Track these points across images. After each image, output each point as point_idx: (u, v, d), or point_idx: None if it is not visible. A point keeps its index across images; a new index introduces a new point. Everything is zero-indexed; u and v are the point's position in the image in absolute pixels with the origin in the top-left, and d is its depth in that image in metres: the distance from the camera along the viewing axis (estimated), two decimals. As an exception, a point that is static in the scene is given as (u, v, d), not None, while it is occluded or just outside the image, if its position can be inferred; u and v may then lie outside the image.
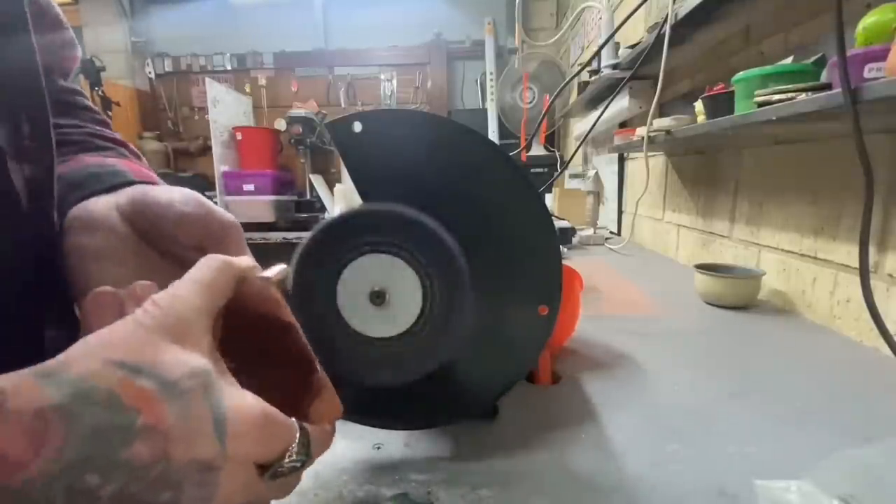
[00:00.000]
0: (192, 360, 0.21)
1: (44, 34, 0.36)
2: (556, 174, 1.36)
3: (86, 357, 0.19)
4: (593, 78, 1.47)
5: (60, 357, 0.19)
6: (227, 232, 0.30)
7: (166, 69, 3.69)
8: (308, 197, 3.35)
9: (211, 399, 0.21)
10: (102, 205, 0.30)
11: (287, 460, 0.23)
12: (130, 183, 0.32)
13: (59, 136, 0.36)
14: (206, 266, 0.23)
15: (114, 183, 0.32)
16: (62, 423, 0.17)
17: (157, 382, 0.19)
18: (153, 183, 0.34)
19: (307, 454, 0.24)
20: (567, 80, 1.64)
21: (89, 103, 0.41)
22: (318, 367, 0.26)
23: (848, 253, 0.68)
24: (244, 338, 0.25)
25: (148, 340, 0.20)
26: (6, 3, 0.27)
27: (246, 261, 0.25)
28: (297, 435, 0.24)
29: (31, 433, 0.17)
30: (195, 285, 0.22)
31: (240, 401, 0.21)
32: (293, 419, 0.24)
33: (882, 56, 0.48)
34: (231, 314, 0.24)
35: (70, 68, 0.40)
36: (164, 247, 0.30)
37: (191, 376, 0.20)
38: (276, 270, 0.27)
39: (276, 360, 0.27)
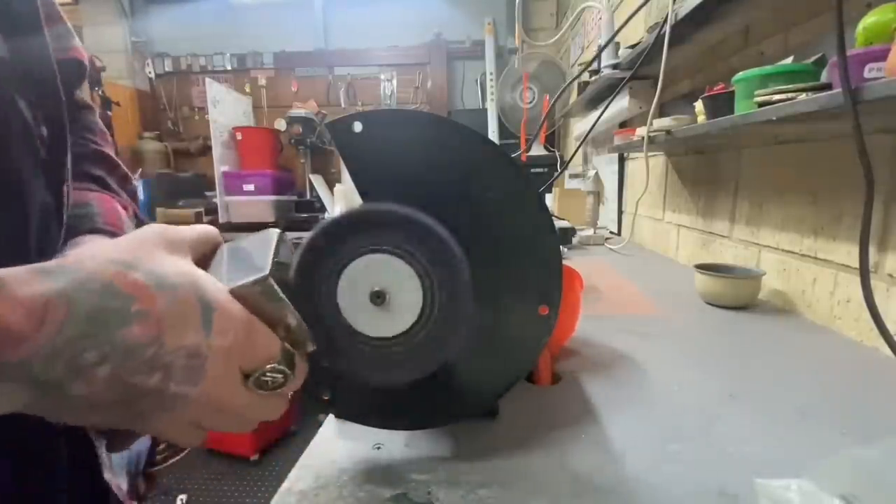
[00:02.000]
0: (181, 263, 0.24)
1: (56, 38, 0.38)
2: (556, 174, 1.35)
3: (83, 258, 0.22)
4: (593, 78, 1.47)
5: (56, 260, 0.21)
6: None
7: (166, 69, 3.69)
8: (308, 197, 3.35)
9: (199, 293, 0.23)
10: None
11: (269, 368, 0.25)
12: (97, 230, 0.37)
13: None
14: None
15: (81, 229, 0.36)
16: (63, 303, 0.19)
17: (149, 276, 0.22)
18: (116, 232, 0.37)
19: (290, 370, 0.26)
20: (568, 82, 1.63)
21: (93, 118, 0.44)
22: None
23: (848, 253, 0.68)
24: None
25: (141, 247, 0.24)
26: (21, 3, 0.29)
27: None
28: (280, 349, 0.26)
29: (32, 310, 0.19)
30: (185, 227, 0.27)
31: (227, 301, 0.24)
32: (278, 339, 0.26)
33: (882, 56, 0.48)
34: None
35: (82, 75, 0.41)
36: None
37: (180, 274, 0.23)
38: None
39: None
